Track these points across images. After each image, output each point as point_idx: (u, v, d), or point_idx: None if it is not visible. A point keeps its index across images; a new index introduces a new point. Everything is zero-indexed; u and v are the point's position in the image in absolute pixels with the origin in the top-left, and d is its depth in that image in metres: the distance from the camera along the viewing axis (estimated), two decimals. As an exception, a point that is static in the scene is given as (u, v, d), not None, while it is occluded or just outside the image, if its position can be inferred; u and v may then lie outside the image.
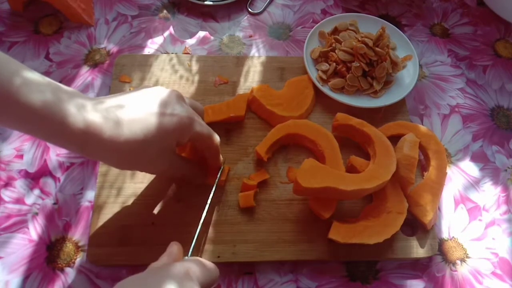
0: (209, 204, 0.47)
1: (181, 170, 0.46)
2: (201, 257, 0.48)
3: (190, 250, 0.43)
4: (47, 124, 0.35)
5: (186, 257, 0.41)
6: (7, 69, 0.34)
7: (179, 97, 0.43)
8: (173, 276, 0.34)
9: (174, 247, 0.40)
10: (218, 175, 0.50)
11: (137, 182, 0.52)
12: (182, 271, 0.35)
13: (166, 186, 0.52)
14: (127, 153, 0.39)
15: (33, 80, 0.35)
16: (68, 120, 0.35)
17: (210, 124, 0.54)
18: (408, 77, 0.61)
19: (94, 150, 0.38)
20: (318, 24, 0.64)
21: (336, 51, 0.60)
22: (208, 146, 0.46)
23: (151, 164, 0.42)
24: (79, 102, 0.37)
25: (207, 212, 0.46)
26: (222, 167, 0.50)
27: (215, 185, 0.49)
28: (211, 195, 0.48)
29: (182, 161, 0.46)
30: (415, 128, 0.56)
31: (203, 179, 0.50)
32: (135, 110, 0.39)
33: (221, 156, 0.50)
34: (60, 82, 0.40)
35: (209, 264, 0.38)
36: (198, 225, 0.45)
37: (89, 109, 0.37)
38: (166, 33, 0.66)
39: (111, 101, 0.39)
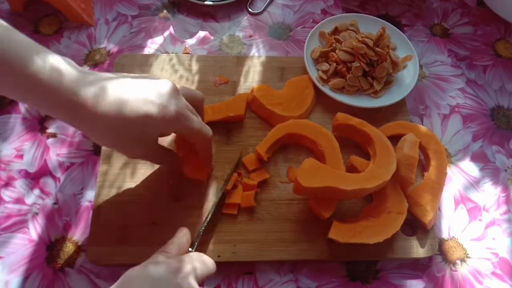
0: (216, 205, 0.49)
1: (159, 159, 0.48)
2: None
3: (196, 244, 0.46)
4: (45, 94, 0.37)
5: (190, 249, 0.44)
6: (13, 40, 0.36)
7: (175, 91, 0.43)
8: (177, 275, 0.38)
9: (184, 238, 0.43)
10: (229, 177, 0.51)
11: (137, 182, 0.52)
12: (187, 270, 0.39)
13: (166, 186, 0.52)
14: (109, 130, 0.40)
15: (37, 52, 0.37)
16: (65, 93, 0.37)
17: (210, 123, 0.54)
18: (408, 77, 0.61)
19: (82, 122, 0.40)
20: (319, 24, 0.64)
21: (337, 51, 0.60)
22: (198, 140, 0.46)
23: (129, 147, 0.43)
24: (78, 75, 0.38)
25: (214, 211, 0.48)
26: (238, 161, 0.52)
27: (223, 187, 0.50)
28: (220, 196, 0.49)
29: (161, 151, 0.47)
30: (415, 128, 0.56)
31: (179, 169, 0.50)
32: (129, 94, 0.40)
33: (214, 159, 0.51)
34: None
35: (208, 259, 0.42)
36: (204, 220, 0.48)
37: (87, 84, 0.39)
38: (166, 33, 0.66)
39: (110, 81, 0.40)
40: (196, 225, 0.48)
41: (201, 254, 0.42)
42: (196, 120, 0.45)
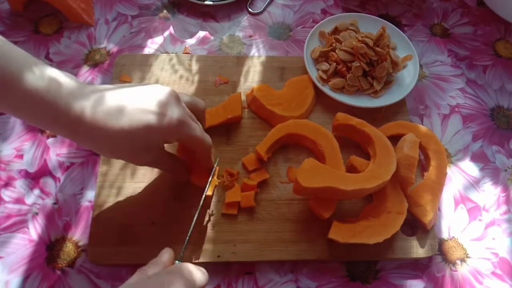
0: (201, 206, 0.46)
1: (164, 166, 0.48)
2: (200, 257, 0.48)
3: (181, 252, 0.43)
4: (42, 111, 0.37)
5: (177, 261, 0.41)
6: (8, 56, 0.35)
7: (176, 98, 0.42)
8: None
9: (164, 256, 0.41)
10: (210, 178, 0.48)
11: (137, 182, 0.52)
12: (171, 283, 0.36)
13: (166, 186, 0.52)
14: (112, 143, 0.40)
15: (33, 67, 0.36)
16: (62, 108, 0.37)
17: (209, 128, 0.54)
18: (408, 77, 0.61)
19: (83, 137, 0.39)
20: (319, 24, 0.64)
21: (337, 51, 0.60)
22: (199, 148, 0.46)
23: (134, 156, 0.43)
24: (75, 89, 0.38)
25: (199, 214, 0.45)
26: (214, 169, 0.49)
27: (206, 188, 0.47)
28: (203, 197, 0.46)
29: (167, 158, 0.47)
30: (415, 128, 0.56)
31: (186, 177, 0.49)
32: (128, 104, 0.39)
33: (213, 157, 0.49)
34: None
35: (196, 271, 0.39)
36: (190, 227, 0.45)
37: (84, 97, 0.38)
38: (166, 33, 0.66)
39: (108, 92, 0.40)
40: (195, 225, 0.48)
41: (190, 264, 0.39)
42: (198, 128, 0.44)
